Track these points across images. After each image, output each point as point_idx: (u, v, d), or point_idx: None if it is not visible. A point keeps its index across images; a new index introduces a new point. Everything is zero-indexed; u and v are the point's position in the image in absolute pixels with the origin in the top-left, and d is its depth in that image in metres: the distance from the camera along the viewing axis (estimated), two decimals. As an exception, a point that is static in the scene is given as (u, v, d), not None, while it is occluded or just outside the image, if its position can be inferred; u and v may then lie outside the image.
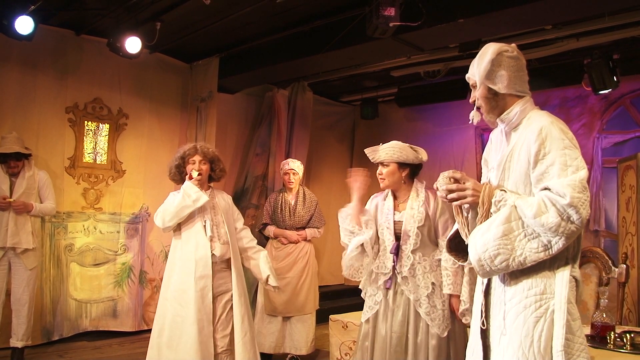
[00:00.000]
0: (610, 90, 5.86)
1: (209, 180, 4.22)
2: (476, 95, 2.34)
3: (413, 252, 3.43)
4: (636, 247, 4.22)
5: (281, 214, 5.50)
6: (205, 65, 6.81)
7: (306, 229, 5.57)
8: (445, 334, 3.34)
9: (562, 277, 2.10)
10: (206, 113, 6.76)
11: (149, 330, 6.41)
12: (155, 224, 4.15)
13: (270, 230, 5.56)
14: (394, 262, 3.48)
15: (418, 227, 3.45)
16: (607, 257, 4.04)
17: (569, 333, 2.07)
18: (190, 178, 4.03)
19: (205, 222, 4.06)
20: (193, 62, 6.98)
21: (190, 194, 3.94)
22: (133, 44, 5.54)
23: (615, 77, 5.68)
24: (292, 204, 5.54)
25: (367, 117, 8.22)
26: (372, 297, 3.61)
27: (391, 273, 3.48)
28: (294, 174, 5.57)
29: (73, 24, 5.93)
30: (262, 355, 5.29)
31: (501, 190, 2.21)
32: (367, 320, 3.58)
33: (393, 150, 3.49)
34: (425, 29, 5.00)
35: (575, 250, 2.15)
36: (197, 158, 4.10)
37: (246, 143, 7.57)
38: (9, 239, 4.97)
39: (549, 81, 6.63)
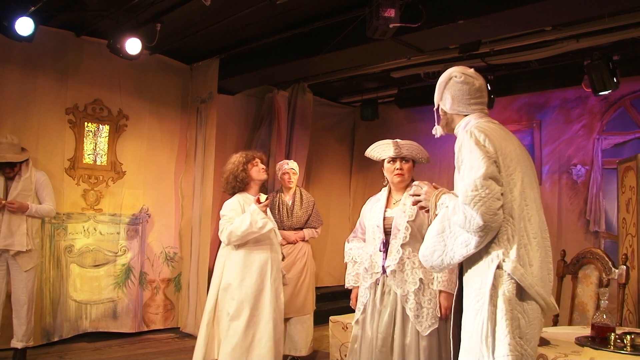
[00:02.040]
0: (610, 91, 5.86)
1: None
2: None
3: (403, 246, 3.41)
4: (636, 248, 4.22)
5: (279, 215, 5.50)
6: (205, 66, 6.81)
7: (304, 230, 5.58)
8: (428, 332, 3.30)
9: (491, 273, 2.30)
10: (206, 114, 6.76)
11: (149, 332, 6.50)
12: (220, 238, 4.36)
13: None
14: (383, 258, 3.49)
15: (408, 222, 3.43)
16: (607, 259, 4.04)
17: (501, 325, 2.24)
18: (258, 202, 4.20)
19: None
20: (193, 63, 6.99)
21: (257, 220, 4.14)
22: (133, 45, 5.54)
23: (615, 79, 5.68)
24: (290, 204, 5.55)
25: (367, 119, 8.22)
26: (360, 298, 3.62)
27: (382, 271, 3.49)
28: (293, 173, 5.58)
29: (73, 25, 5.93)
30: None
31: (449, 194, 2.52)
32: (357, 322, 3.59)
33: (413, 148, 3.59)
34: (425, 30, 5.00)
35: (507, 246, 2.30)
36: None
37: (246, 144, 7.57)
38: (1, 240, 4.96)
39: (549, 82, 6.64)
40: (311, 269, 5.58)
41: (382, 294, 3.48)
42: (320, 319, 6.20)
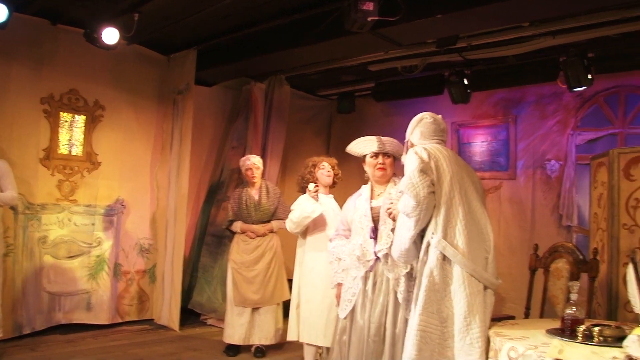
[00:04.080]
0: (584, 88, 5.94)
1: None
2: None
3: (393, 231, 3.45)
4: (606, 242, 4.29)
5: (247, 210, 5.57)
6: (182, 57, 6.76)
7: (272, 222, 5.65)
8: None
9: (423, 247, 2.97)
10: (183, 105, 6.71)
11: (123, 323, 6.47)
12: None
13: (237, 226, 5.62)
14: (374, 245, 3.56)
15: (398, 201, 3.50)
16: (578, 252, 4.10)
17: (420, 299, 2.87)
18: (309, 191, 4.69)
19: None
20: (171, 54, 6.93)
21: (307, 206, 4.64)
22: (110, 35, 5.48)
23: (589, 75, 5.77)
24: (257, 198, 5.61)
25: (344, 112, 8.23)
26: (349, 289, 3.64)
27: (374, 258, 3.54)
28: (256, 168, 5.66)
29: (49, 13, 5.83)
30: (231, 346, 5.40)
31: None
32: (345, 316, 3.62)
33: (395, 144, 3.77)
34: (404, 24, 5.01)
35: (435, 228, 2.92)
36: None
37: (222, 136, 7.55)
38: None
39: (525, 78, 6.70)
40: (280, 260, 5.68)
41: (374, 283, 3.54)
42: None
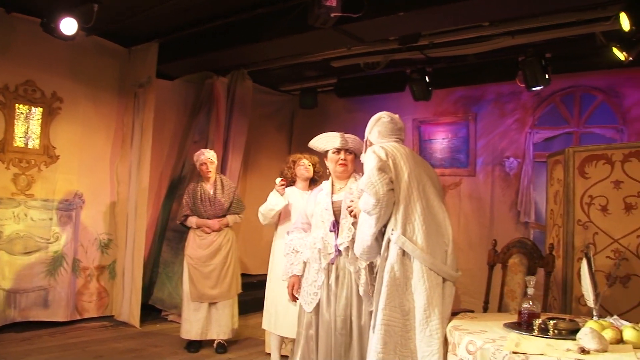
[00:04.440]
0: (542, 87, 6.07)
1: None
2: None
3: (354, 224, 3.48)
4: (562, 238, 4.40)
5: (202, 205, 5.55)
6: (144, 50, 6.65)
7: (227, 216, 5.65)
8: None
9: (384, 244, 3.05)
10: (144, 99, 6.62)
11: (82, 320, 6.37)
12: None
13: (192, 221, 5.60)
14: (335, 238, 3.58)
15: (358, 198, 3.52)
16: (535, 248, 4.20)
17: (383, 295, 2.94)
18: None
19: None
20: (131, 46, 6.81)
21: (271, 199, 4.81)
22: (69, 26, 5.36)
23: (547, 75, 5.91)
24: (211, 193, 5.60)
25: (307, 107, 8.24)
26: (313, 282, 3.65)
27: (334, 251, 3.57)
28: (211, 163, 5.63)
29: (3, 1, 5.66)
30: (192, 342, 5.40)
31: None
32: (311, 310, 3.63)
33: (357, 142, 3.78)
34: (366, 21, 5.05)
35: (395, 224, 3.00)
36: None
37: (184, 130, 7.46)
38: None
39: (485, 76, 6.82)
40: (236, 254, 5.73)
41: (337, 277, 3.56)
42: (254, 307, 6.22)
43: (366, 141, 3.41)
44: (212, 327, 5.48)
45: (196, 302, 5.45)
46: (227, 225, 5.64)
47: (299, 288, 3.78)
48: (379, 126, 3.35)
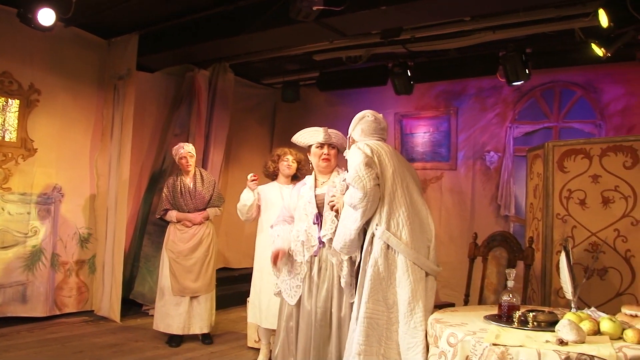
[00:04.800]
0: (522, 82, 6.12)
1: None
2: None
3: (337, 217, 3.50)
4: (541, 231, 4.45)
5: (182, 198, 5.55)
6: (124, 42, 6.58)
7: (207, 209, 5.66)
8: (353, 300, 3.40)
9: (368, 238, 3.11)
10: (124, 91, 6.55)
11: (62, 315, 6.30)
12: None
13: (172, 215, 5.58)
14: (318, 230, 3.60)
15: (341, 193, 3.54)
16: (515, 241, 4.24)
17: (366, 287, 3.02)
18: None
19: None
20: (111, 38, 6.72)
21: (243, 196, 4.91)
22: (46, 16, 5.26)
23: (527, 70, 5.96)
24: (191, 187, 5.59)
25: (288, 100, 8.22)
26: (296, 275, 3.65)
27: (318, 243, 3.59)
28: (190, 156, 5.62)
29: (-22, -9, 5.57)
30: (173, 336, 5.44)
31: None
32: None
33: (340, 137, 3.82)
34: (349, 14, 5.04)
35: (380, 219, 3.09)
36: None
37: (165, 123, 7.41)
38: None
39: (466, 71, 6.84)
40: (216, 248, 5.78)
41: (320, 269, 3.58)
42: (236, 301, 6.22)
43: (349, 138, 3.46)
44: (195, 321, 5.46)
45: (177, 297, 5.42)
46: (207, 219, 5.64)
47: (283, 258, 3.75)
48: (362, 124, 3.41)
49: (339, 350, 3.43)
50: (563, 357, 2.32)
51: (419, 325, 2.96)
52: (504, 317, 2.89)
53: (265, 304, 4.77)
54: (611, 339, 2.56)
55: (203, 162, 7.14)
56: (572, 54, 6.08)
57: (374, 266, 3.04)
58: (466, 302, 4.43)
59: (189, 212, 5.55)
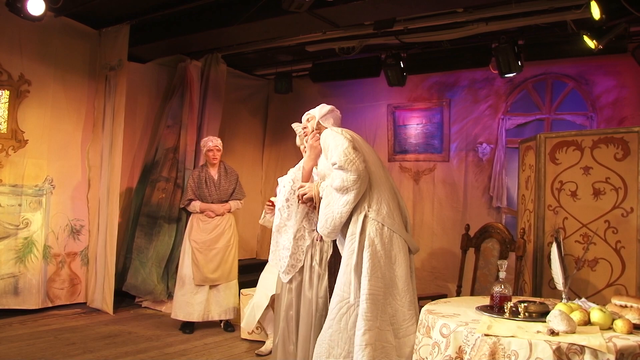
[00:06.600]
0: (515, 74, 6.13)
1: None
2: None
3: (311, 205, 3.53)
4: (533, 223, 4.47)
5: (207, 189, 5.76)
6: (115, 32, 6.53)
7: (230, 202, 5.87)
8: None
9: (360, 220, 3.18)
10: (115, 82, 6.51)
11: (54, 308, 6.29)
12: None
13: (196, 205, 5.78)
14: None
15: (321, 181, 3.56)
16: (507, 233, 4.27)
17: (366, 265, 3.10)
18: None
19: None
20: (102, 28, 6.67)
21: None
22: (36, 5, 5.22)
23: (519, 62, 5.96)
24: (216, 179, 5.82)
25: (281, 92, 8.19)
26: (294, 255, 3.62)
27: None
28: (217, 150, 5.83)
29: (-33, -19, 5.51)
30: (187, 323, 5.66)
31: (322, 182, 3.43)
32: (290, 290, 3.62)
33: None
34: (341, 5, 5.03)
35: (369, 201, 3.21)
36: None
37: (157, 114, 7.37)
38: None
39: (459, 63, 6.83)
40: (236, 239, 5.99)
41: (321, 259, 3.61)
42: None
43: (317, 122, 3.62)
44: (213, 308, 5.72)
45: (197, 286, 5.65)
46: (229, 211, 5.86)
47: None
48: (334, 116, 3.65)
49: None
50: (554, 347, 2.34)
51: (414, 298, 3.25)
52: (496, 308, 2.91)
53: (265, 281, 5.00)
54: (601, 329, 2.58)
55: (196, 153, 7.12)
56: (564, 46, 6.08)
57: (371, 245, 3.14)
58: (458, 293, 4.46)
59: (212, 203, 5.74)
